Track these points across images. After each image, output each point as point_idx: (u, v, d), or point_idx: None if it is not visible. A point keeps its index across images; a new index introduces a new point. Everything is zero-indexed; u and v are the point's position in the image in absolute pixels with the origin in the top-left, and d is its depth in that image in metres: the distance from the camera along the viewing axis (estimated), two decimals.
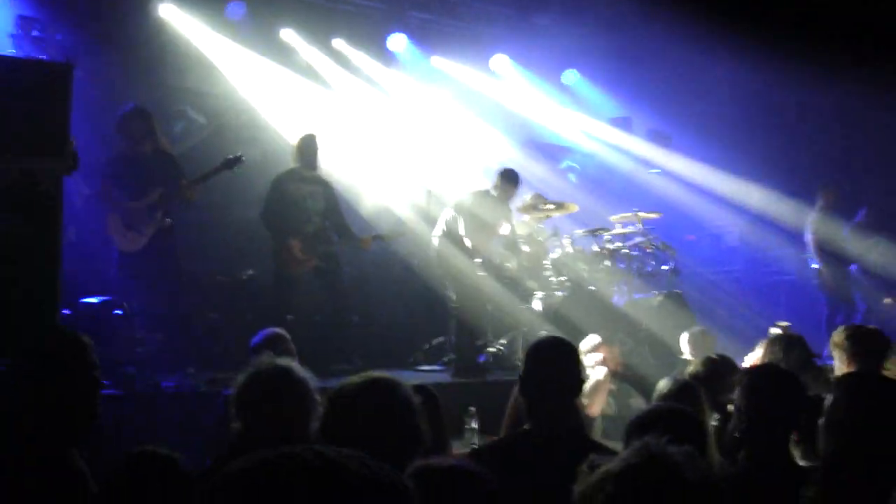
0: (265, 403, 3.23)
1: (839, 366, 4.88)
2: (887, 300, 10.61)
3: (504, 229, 9.10)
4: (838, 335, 5.02)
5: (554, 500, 2.17)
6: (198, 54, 9.87)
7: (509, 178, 8.96)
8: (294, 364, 3.37)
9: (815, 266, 10.51)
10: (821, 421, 3.02)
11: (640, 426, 3.06)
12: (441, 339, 9.37)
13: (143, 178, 7.63)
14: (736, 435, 3.52)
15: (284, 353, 5.17)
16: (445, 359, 9.06)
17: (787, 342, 5.14)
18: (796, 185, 11.43)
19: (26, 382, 3.36)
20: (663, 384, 4.08)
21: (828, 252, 10.35)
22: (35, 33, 7.73)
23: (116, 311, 7.12)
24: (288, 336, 5.64)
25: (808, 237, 10.50)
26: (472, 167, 10.59)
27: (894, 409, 2.95)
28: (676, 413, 3.22)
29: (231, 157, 7.84)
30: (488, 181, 9.22)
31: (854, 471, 2.85)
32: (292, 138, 8.96)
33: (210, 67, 9.99)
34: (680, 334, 7.31)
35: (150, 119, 7.83)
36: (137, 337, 7.16)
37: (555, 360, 3.51)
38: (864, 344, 4.85)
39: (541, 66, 12.52)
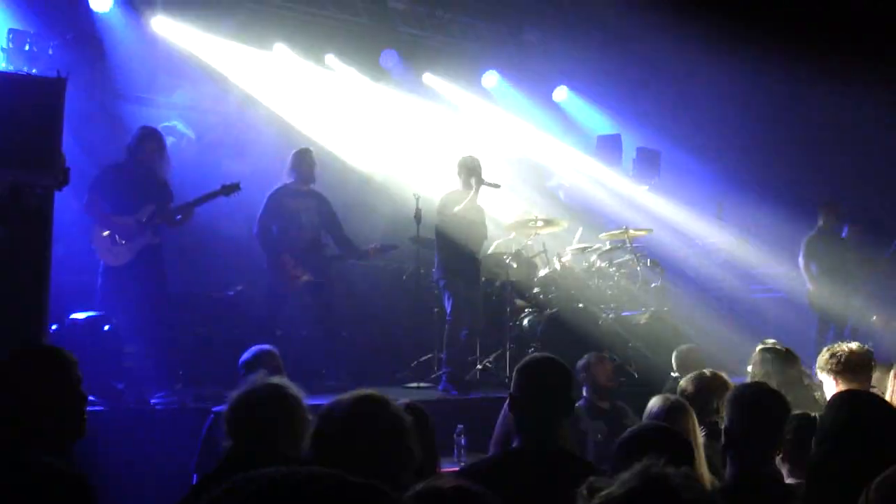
0: (257, 421, 3.22)
1: (827, 384, 4.89)
2: (875, 318, 10.65)
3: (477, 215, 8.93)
4: (823, 355, 5.02)
5: None
6: (187, 69, 9.86)
7: (462, 163, 8.84)
8: (286, 382, 3.36)
9: (808, 286, 10.54)
10: (812, 438, 3.03)
11: (631, 446, 3.07)
12: (429, 355, 9.36)
13: (135, 194, 7.60)
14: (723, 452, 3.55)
15: (273, 371, 5.17)
16: (433, 375, 9.05)
17: (779, 359, 5.16)
18: (790, 199, 11.50)
19: (7, 396, 3.35)
20: (654, 402, 4.10)
21: (824, 270, 10.38)
22: (27, 47, 7.72)
23: (104, 327, 7.09)
24: (277, 353, 5.61)
25: (801, 257, 10.54)
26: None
27: (884, 426, 2.96)
28: (668, 433, 3.24)
29: (228, 183, 7.86)
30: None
31: (842, 488, 2.86)
32: (285, 153, 8.96)
33: (199, 82, 9.99)
34: (669, 352, 7.33)
35: (162, 140, 7.87)
36: (125, 352, 7.12)
37: (545, 379, 3.52)
38: (848, 362, 4.85)
39: (532, 82, 12.56)
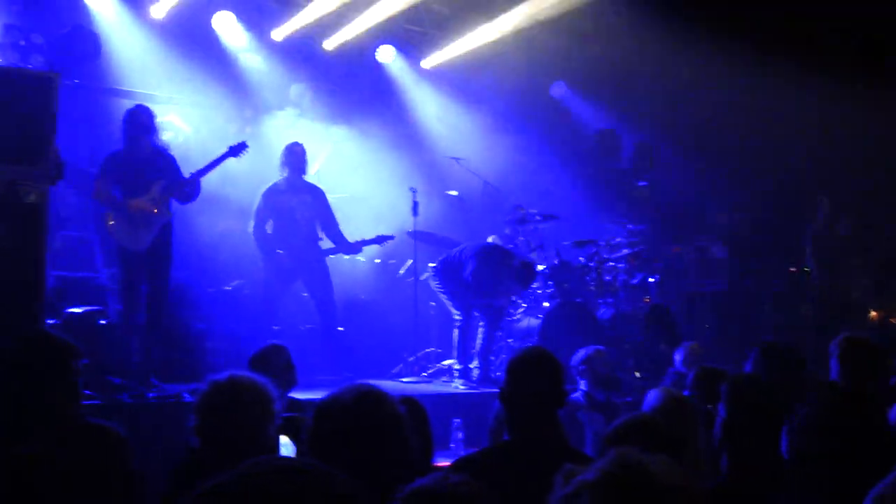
0: (215, 415, 3.26)
1: (836, 374, 4.87)
2: (873, 313, 10.66)
3: None
4: (835, 344, 5.00)
5: None
6: (185, 63, 9.85)
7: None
8: (249, 375, 3.37)
9: (810, 280, 10.53)
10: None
11: (615, 438, 3.09)
12: (427, 350, 9.34)
13: (143, 174, 7.27)
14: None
15: (280, 366, 5.15)
16: (431, 369, 9.05)
17: (775, 353, 5.14)
18: (784, 196, 11.49)
19: (6, 384, 3.41)
20: (651, 395, 4.08)
21: (827, 264, 10.39)
22: (21, 42, 7.68)
23: (101, 321, 7.06)
24: (285, 348, 5.48)
25: (809, 248, 10.53)
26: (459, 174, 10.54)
27: (853, 420, 3.01)
28: (653, 425, 3.24)
29: (235, 143, 7.64)
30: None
31: (814, 477, 2.90)
32: (280, 148, 8.93)
33: (198, 76, 9.97)
34: (665, 346, 7.33)
35: (153, 116, 7.60)
36: (123, 346, 7.08)
37: (534, 372, 3.51)
38: (857, 353, 4.82)
39: (528, 77, 12.52)
